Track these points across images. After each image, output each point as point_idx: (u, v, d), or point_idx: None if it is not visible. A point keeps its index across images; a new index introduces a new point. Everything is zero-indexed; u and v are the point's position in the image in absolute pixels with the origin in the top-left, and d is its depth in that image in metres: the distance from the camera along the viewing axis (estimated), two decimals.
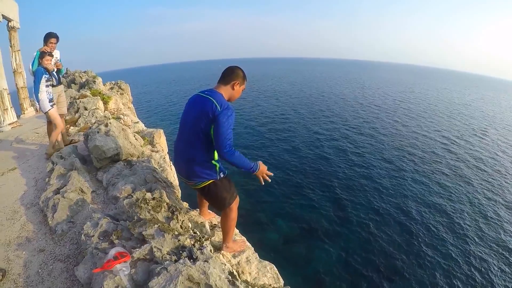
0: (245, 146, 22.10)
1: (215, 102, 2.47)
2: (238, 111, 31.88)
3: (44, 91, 5.27)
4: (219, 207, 2.88)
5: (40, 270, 2.73)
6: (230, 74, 2.72)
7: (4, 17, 9.41)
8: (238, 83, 2.71)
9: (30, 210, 3.82)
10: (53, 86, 5.59)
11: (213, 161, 2.68)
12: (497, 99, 68.26)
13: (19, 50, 10.56)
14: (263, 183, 2.86)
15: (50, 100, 5.42)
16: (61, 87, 6.12)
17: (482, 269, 10.64)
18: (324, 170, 18.04)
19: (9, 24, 10.19)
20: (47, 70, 5.34)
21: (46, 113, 5.42)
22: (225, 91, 2.68)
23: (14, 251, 3.04)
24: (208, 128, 2.49)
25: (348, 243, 11.62)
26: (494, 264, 10.86)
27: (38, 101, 5.30)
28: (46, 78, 5.28)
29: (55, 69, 5.65)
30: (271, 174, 2.86)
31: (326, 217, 13.31)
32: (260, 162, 2.78)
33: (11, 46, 10.43)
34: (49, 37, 5.67)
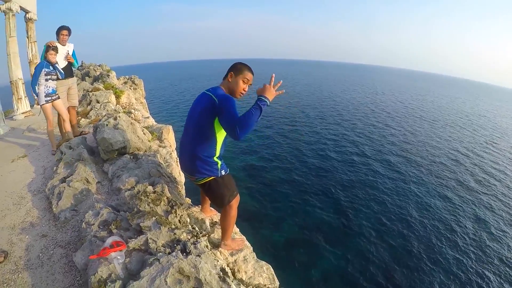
0: (251, 146, 22.24)
1: (213, 96, 2.53)
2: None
3: (43, 85, 5.33)
4: (218, 204, 2.92)
5: (40, 254, 2.83)
6: (228, 68, 2.79)
7: (22, 8, 9.62)
8: (232, 74, 2.75)
9: (37, 197, 3.94)
10: (58, 79, 5.64)
11: (215, 158, 2.72)
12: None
13: (36, 41, 10.78)
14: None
15: (48, 95, 5.44)
16: (72, 80, 6.24)
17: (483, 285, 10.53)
18: (331, 176, 17.95)
19: (27, 15, 10.41)
20: (50, 64, 5.37)
21: (40, 106, 5.48)
22: (224, 85, 2.76)
23: (17, 235, 3.15)
24: (211, 123, 2.55)
25: (348, 251, 11.54)
26: (496, 281, 10.73)
27: (36, 94, 5.36)
28: (45, 72, 5.31)
29: (57, 63, 5.59)
30: (282, 92, 2.66)
31: (329, 224, 13.27)
32: (264, 90, 2.48)
33: (27, 37, 10.67)
34: (61, 29, 5.81)
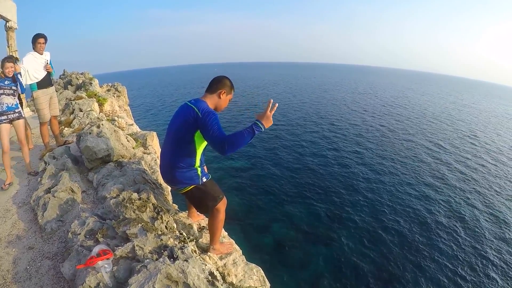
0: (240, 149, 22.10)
1: (195, 109, 2.54)
2: (238, 117, 32.09)
3: None
4: (203, 210, 2.96)
5: (28, 267, 2.81)
6: (217, 83, 2.79)
7: (1, 17, 9.48)
8: (224, 92, 2.78)
9: (22, 209, 3.90)
10: (16, 95, 4.91)
11: (195, 166, 2.75)
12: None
13: (17, 50, 10.62)
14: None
15: (2, 113, 4.62)
16: (52, 88, 6.00)
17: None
18: (323, 177, 18.17)
19: (7, 24, 10.26)
20: (5, 77, 4.69)
21: None
22: (211, 100, 2.76)
23: (4, 248, 3.12)
24: (191, 135, 2.58)
25: (342, 252, 11.66)
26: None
27: None
28: None
29: (19, 73, 4.99)
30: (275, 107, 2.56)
31: (322, 225, 13.40)
32: (263, 118, 2.48)
33: (8, 46, 10.51)
34: (37, 37, 5.44)
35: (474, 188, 17.90)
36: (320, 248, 11.67)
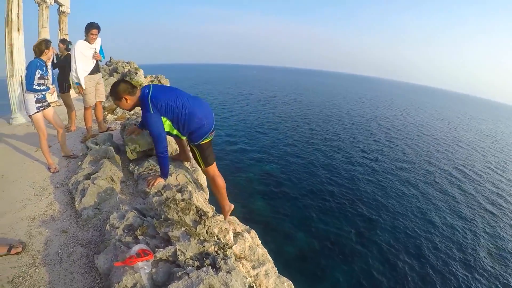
0: (271, 154, 22.27)
1: None
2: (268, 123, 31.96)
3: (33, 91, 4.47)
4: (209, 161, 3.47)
5: (60, 251, 2.75)
6: None
7: (55, 1, 9.85)
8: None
9: (59, 190, 3.89)
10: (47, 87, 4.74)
11: None
12: None
13: (67, 34, 11.04)
14: None
15: (38, 101, 4.54)
16: (99, 75, 6.08)
17: None
18: (352, 190, 17.67)
19: (60, 8, 10.68)
20: (44, 64, 4.55)
21: (30, 117, 4.59)
22: None
23: (37, 227, 3.09)
24: None
25: (366, 267, 11.25)
26: None
27: (24, 99, 4.54)
28: (39, 75, 4.42)
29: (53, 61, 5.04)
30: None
31: (347, 238, 12.98)
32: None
33: (59, 30, 10.94)
34: (91, 28, 5.50)
35: None
36: (345, 266, 11.24)
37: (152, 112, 3.07)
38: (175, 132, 3.32)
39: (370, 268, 11.21)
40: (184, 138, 3.46)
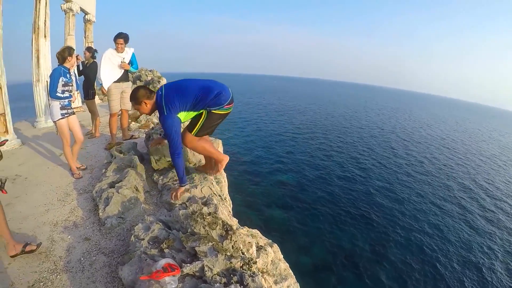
0: (288, 163, 22.19)
1: None
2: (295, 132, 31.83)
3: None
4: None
5: (82, 258, 2.72)
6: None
7: (82, 9, 10.16)
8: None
9: (82, 196, 3.90)
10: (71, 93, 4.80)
11: None
12: None
13: (93, 42, 11.34)
14: None
15: (63, 107, 4.57)
16: (127, 84, 6.17)
17: None
18: (369, 203, 17.09)
19: (86, 16, 11.04)
20: (67, 71, 4.58)
21: (54, 122, 4.62)
22: None
23: (59, 233, 3.08)
24: None
25: (381, 285, 10.89)
26: None
27: (49, 105, 4.58)
28: (63, 82, 4.46)
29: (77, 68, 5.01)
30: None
31: (361, 252, 12.54)
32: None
33: (85, 37, 11.26)
34: (118, 37, 5.67)
35: None
36: (356, 281, 10.96)
37: (166, 114, 3.17)
38: (192, 114, 3.39)
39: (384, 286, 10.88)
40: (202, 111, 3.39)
